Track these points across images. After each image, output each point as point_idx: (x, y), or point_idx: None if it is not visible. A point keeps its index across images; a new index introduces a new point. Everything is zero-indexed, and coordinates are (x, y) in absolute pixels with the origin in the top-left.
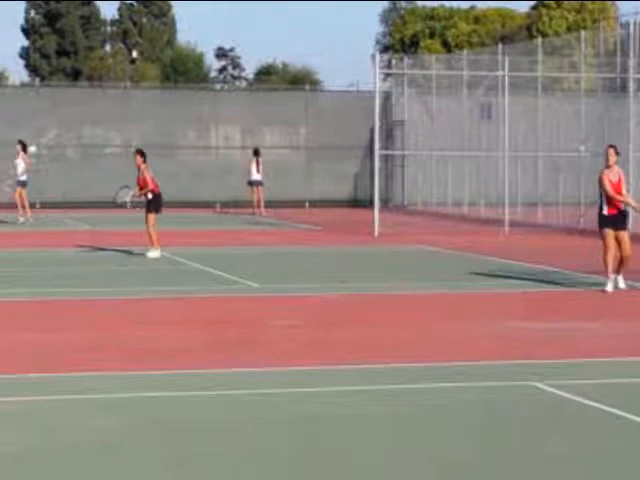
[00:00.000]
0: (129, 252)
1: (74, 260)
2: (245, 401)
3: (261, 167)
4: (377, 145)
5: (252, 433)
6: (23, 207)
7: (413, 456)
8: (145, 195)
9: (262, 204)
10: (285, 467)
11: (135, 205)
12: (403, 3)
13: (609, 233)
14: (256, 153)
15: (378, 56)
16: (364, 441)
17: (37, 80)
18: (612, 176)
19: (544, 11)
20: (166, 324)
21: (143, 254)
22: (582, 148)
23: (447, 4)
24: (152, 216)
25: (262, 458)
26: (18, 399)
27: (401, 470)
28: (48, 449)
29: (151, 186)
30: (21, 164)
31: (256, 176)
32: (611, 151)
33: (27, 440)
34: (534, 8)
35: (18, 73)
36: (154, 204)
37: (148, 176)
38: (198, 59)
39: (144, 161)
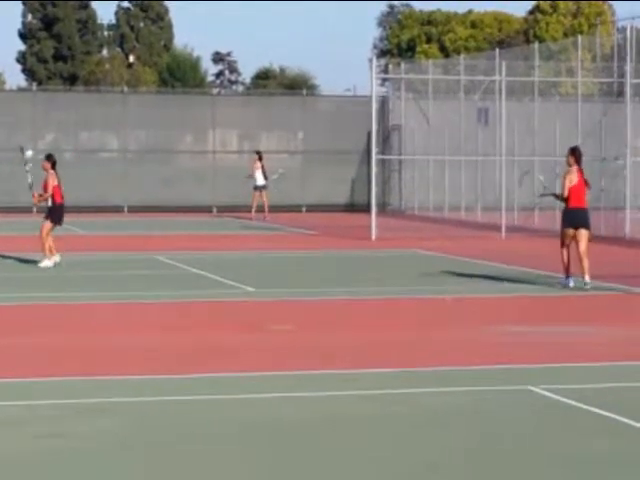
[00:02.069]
0: (132, 257)
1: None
2: (239, 405)
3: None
4: (374, 150)
5: (248, 437)
6: None
7: (409, 460)
8: (46, 202)
9: (267, 209)
10: (279, 471)
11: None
12: (400, 7)
13: None
14: (260, 157)
15: (375, 61)
16: (360, 445)
17: (34, 84)
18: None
19: (540, 16)
20: (159, 328)
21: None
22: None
23: (444, 9)
24: (48, 225)
25: (257, 461)
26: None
27: (397, 474)
28: (37, 454)
29: (50, 193)
30: None
31: (262, 180)
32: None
33: (18, 446)
34: (531, 13)
35: (15, 77)
36: (54, 214)
37: (51, 183)
38: (195, 63)
39: (52, 167)
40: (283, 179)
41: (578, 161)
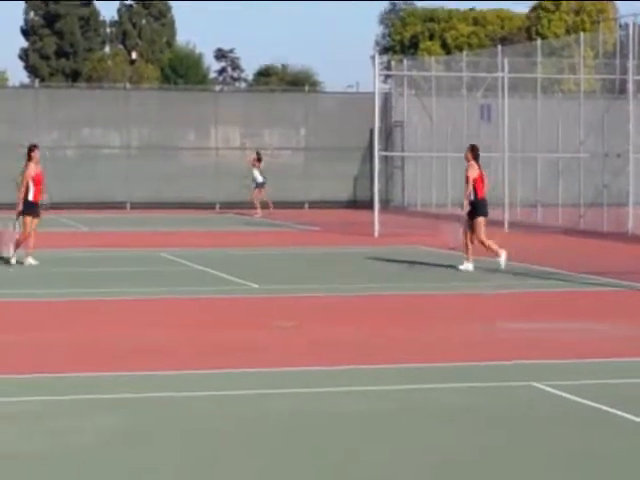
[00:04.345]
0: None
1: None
2: (241, 401)
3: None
4: (377, 146)
5: (252, 434)
6: None
7: (414, 456)
8: None
9: (270, 202)
10: (286, 467)
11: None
12: (402, 5)
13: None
14: (259, 159)
15: (378, 57)
16: (365, 441)
17: (36, 81)
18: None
19: (543, 13)
20: (164, 325)
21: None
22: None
23: (447, 6)
24: None
25: (263, 458)
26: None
27: (402, 470)
28: (47, 450)
29: None
30: None
31: (260, 178)
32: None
33: (29, 441)
34: (533, 10)
35: (17, 74)
36: None
37: None
38: (197, 60)
39: None
40: (285, 176)
41: (476, 157)
